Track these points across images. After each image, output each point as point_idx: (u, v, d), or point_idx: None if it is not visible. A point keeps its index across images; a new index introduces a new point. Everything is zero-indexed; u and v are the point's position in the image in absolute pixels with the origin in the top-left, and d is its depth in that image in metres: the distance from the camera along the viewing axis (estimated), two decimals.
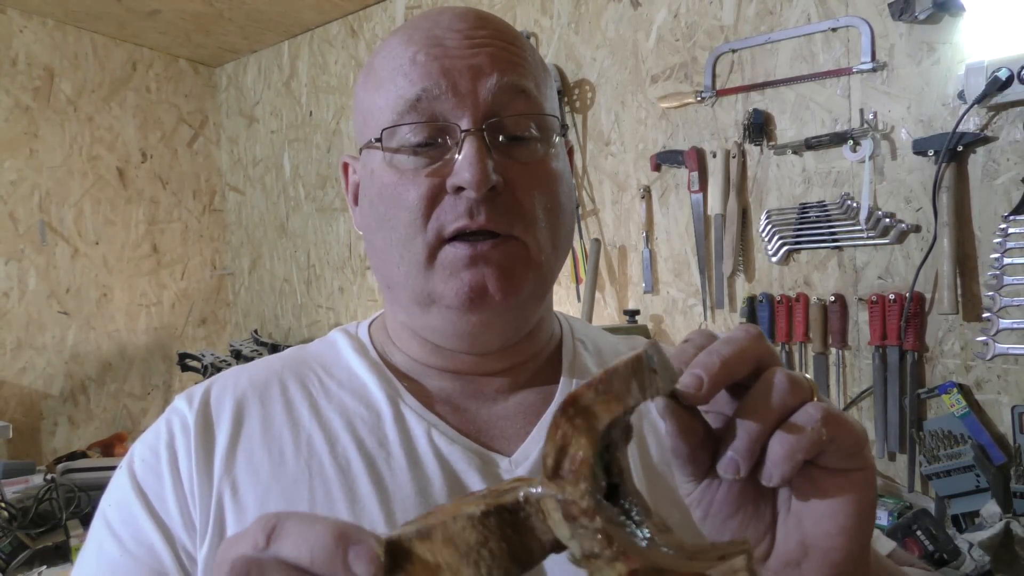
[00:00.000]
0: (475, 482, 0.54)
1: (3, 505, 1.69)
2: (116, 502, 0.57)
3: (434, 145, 0.54)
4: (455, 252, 0.53)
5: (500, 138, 0.54)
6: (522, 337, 0.60)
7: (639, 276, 1.90)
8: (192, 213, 2.97)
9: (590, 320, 1.88)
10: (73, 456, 2.20)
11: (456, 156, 0.52)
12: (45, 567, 1.58)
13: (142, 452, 0.58)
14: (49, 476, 1.80)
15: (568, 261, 2.02)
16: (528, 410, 0.59)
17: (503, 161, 0.53)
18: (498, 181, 0.52)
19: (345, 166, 0.65)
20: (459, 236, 0.53)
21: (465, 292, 0.53)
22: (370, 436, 0.56)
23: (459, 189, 0.52)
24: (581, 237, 1.98)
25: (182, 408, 0.59)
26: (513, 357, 0.60)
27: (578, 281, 1.99)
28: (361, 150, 0.59)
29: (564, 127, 0.59)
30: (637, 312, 1.85)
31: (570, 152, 0.64)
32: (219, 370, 2.40)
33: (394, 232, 0.54)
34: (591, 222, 1.99)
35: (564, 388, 0.60)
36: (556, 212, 0.56)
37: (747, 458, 0.36)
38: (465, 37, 0.54)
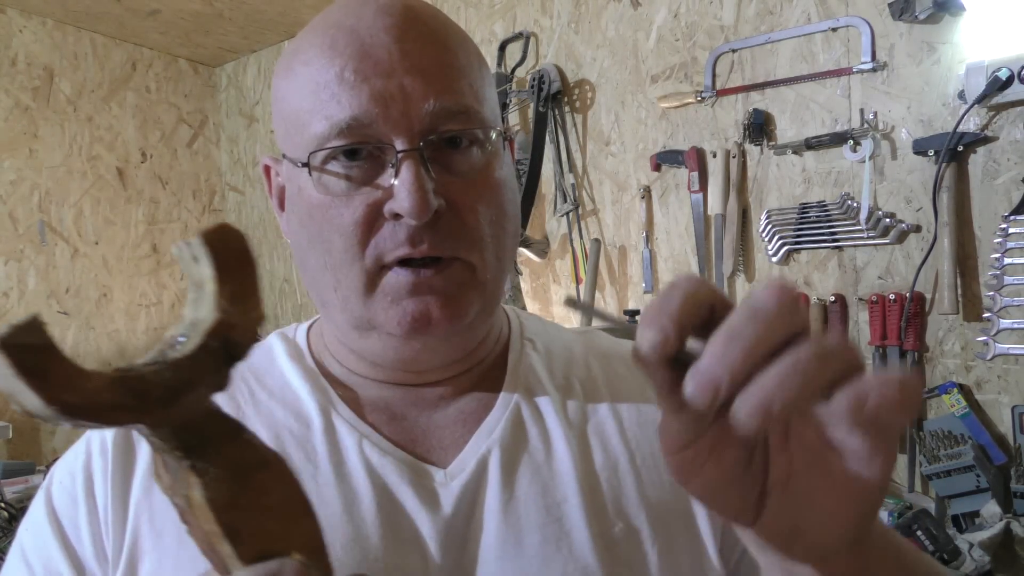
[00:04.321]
0: (407, 496, 0.51)
1: (3, 505, 1.69)
2: (31, 526, 0.54)
3: (367, 163, 0.51)
4: (397, 279, 0.50)
5: (436, 145, 0.50)
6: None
7: (639, 276, 1.90)
8: (192, 213, 2.97)
9: (590, 321, 1.88)
10: None
11: (392, 180, 0.49)
12: None
13: (60, 474, 0.55)
14: None
15: (568, 261, 2.02)
16: (468, 418, 0.56)
17: (443, 179, 0.50)
18: (440, 205, 0.49)
19: (267, 168, 0.60)
20: (401, 261, 0.50)
21: (408, 321, 0.50)
22: (297, 450, 0.53)
23: (399, 215, 0.49)
24: (581, 237, 1.98)
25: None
26: (457, 367, 0.58)
27: (578, 281, 1.99)
28: (284, 156, 0.55)
29: (507, 135, 0.56)
30: (637, 312, 1.85)
31: (510, 144, 0.60)
32: None
33: (328, 256, 0.51)
34: (591, 222, 1.99)
35: (506, 395, 0.57)
36: (502, 223, 0.54)
37: (705, 387, 0.29)
38: (395, 41, 0.50)
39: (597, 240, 1.95)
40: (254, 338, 0.31)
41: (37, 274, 2.49)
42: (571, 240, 2.00)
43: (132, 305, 2.75)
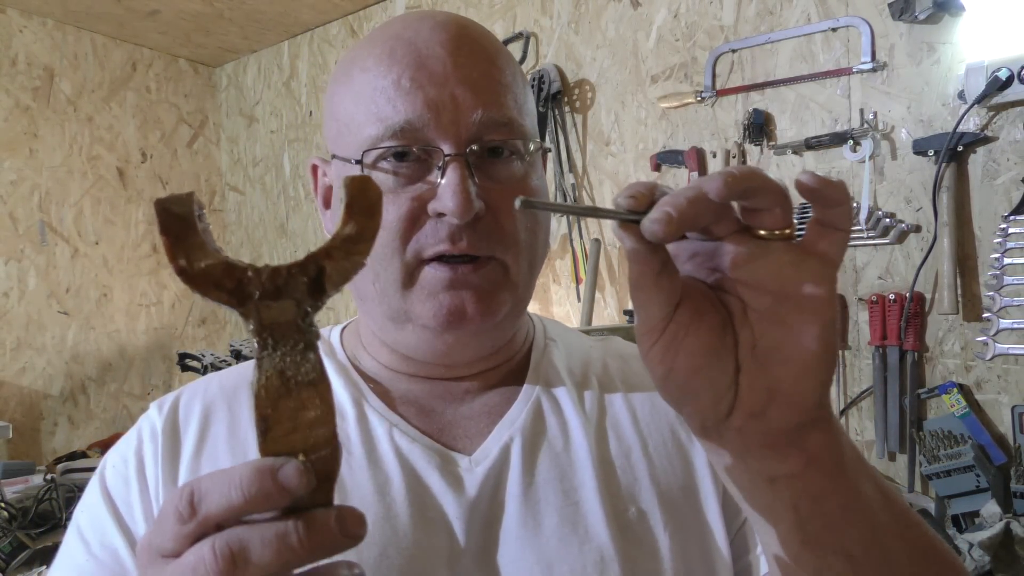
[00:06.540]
0: (434, 480, 0.55)
1: (3, 505, 1.69)
2: (87, 507, 0.58)
3: (415, 164, 0.54)
4: (435, 274, 0.54)
5: (480, 153, 0.54)
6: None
7: None
8: None
9: (590, 321, 1.88)
10: (73, 456, 2.20)
11: (439, 180, 0.53)
12: (45, 567, 1.58)
13: (114, 459, 0.60)
14: (49, 476, 1.80)
15: (568, 261, 2.02)
16: (492, 410, 0.60)
17: (485, 184, 0.54)
18: (480, 207, 0.53)
19: (314, 168, 0.64)
20: (439, 258, 0.54)
21: (443, 314, 0.54)
22: None
23: (442, 214, 0.53)
24: (581, 237, 1.98)
25: (153, 415, 0.60)
26: (485, 363, 0.61)
27: (578, 281, 1.99)
28: (334, 156, 0.59)
29: (546, 149, 0.60)
30: None
31: (544, 156, 0.65)
32: (219, 370, 2.39)
33: None
34: (591, 222, 1.99)
35: (528, 389, 0.61)
36: (535, 231, 0.57)
37: (662, 217, 0.35)
38: (449, 55, 0.54)
39: (597, 240, 1.95)
40: (344, 277, 0.35)
41: (37, 274, 2.49)
42: (571, 240, 2.00)
43: (132, 305, 2.75)
